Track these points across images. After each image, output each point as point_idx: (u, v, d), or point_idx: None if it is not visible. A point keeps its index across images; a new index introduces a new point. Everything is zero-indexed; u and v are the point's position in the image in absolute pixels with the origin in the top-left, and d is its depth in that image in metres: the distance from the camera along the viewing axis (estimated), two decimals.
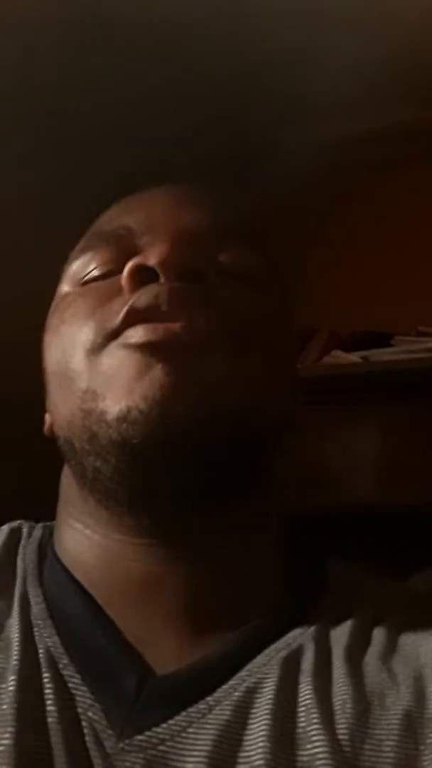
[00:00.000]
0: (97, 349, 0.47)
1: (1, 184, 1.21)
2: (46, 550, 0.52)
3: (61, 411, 0.49)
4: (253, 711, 0.41)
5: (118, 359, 0.46)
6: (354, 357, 1.44)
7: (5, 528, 0.55)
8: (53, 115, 1.19)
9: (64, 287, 0.53)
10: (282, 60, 1.22)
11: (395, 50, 1.24)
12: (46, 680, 0.42)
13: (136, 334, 0.45)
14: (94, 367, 0.47)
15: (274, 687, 0.43)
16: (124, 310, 0.46)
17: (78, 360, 0.48)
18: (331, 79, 1.29)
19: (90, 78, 1.17)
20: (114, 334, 0.46)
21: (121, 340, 0.46)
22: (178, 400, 0.43)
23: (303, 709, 0.41)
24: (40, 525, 0.56)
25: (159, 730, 0.41)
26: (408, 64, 1.28)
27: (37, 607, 0.47)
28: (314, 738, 0.40)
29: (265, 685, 0.43)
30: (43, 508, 0.57)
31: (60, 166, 1.24)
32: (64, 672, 0.43)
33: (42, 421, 0.55)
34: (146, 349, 0.45)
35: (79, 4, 1.06)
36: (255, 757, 0.39)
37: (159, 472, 0.45)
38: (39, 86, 1.16)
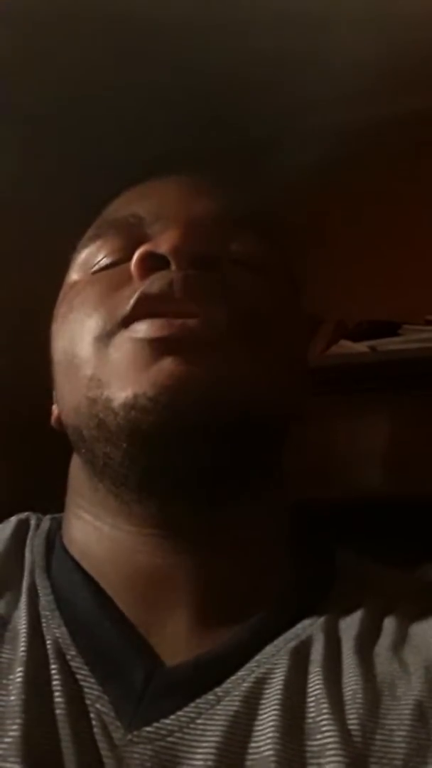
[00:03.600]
0: (105, 336, 0.46)
1: (1, 183, 1.20)
2: (54, 541, 0.52)
3: (67, 400, 0.49)
4: (263, 702, 0.41)
5: (125, 352, 0.45)
6: (361, 347, 1.43)
7: (13, 519, 0.55)
8: (57, 107, 1.19)
9: (73, 275, 0.53)
10: (285, 51, 1.21)
11: (400, 39, 1.23)
12: (53, 672, 0.42)
13: (147, 328, 0.45)
14: (101, 355, 0.46)
15: (283, 678, 0.42)
16: (135, 296, 0.46)
17: (85, 347, 0.47)
18: (336, 70, 1.28)
19: (95, 70, 1.17)
20: (124, 323, 0.46)
21: (130, 332, 0.45)
22: (189, 388, 0.43)
23: (313, 699, 0.41)
24: (48, 517, 0.56)
25: (167, 721, 0.40)
26: (414, 53, 1.27)
27: (45, 599, 0.47)
28: (324, 728, 0.39)
29: (274, 675, 0.43)
30: (51, 499, 0.57)
31: (63, 159, 1.24)
32: (72, 664, 0.43)
33: (49, 413, 0.55)
34: (156, 344, 0.44)
35: (83, 1, 1.05)
36: (264, 748, 0.39)
37: (169, 456, 0.44)
38: (43, 80, 1.16)
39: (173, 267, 0.46)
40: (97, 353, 0.46)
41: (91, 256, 0.52)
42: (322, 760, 0.38)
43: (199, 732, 0.40)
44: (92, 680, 0.42)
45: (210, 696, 0.42)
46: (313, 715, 0.40)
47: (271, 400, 0.47)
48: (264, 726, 0.40)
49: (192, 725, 0.40)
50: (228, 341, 0.45)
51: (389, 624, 0.47)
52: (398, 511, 1.24)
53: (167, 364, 0.44)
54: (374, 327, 1.48)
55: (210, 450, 0.45)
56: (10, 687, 0.41)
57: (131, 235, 0.50)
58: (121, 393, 0.44)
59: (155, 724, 0.40)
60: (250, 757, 0.39)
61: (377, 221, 1.64)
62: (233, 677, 0.43)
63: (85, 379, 0.46)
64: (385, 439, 1.37)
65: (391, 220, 1.64)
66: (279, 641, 0.45)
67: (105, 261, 0.51)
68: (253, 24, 1.12)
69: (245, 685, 0.42)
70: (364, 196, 1.62)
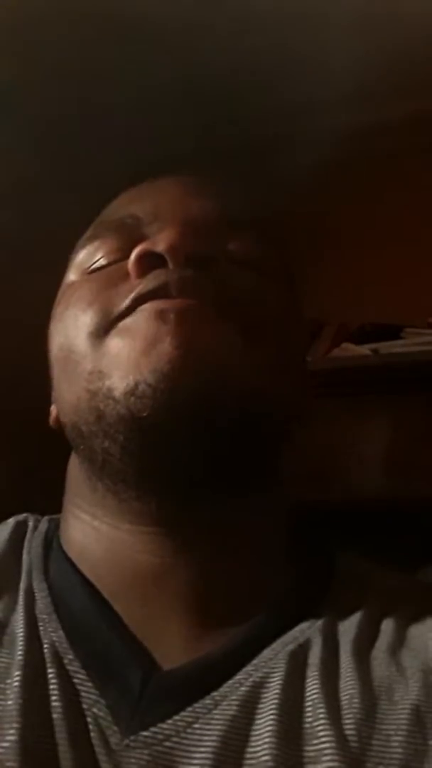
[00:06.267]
0: (101, 332, 0.47)
1: (2, 183, 1.21)
2: (52, 543, 0.52)
3: (66, 396, 0.49)
4: (260, 706, 0.41)
5: (125, 337, 0.45)
6: (363, 349, 1.43)
7: (11, 521, 0.55)
8: (60, 104, 1.19)
9: (71, 276, 0.53)
10: (287, 53, 1.21)
11: (401, 42, 1.23)
12: (51, 676, 0.42)
13: (147, 307, 0.45)
14: (99, 349, 0.46)
15: (280, 682, 0.42)
16: (131, 296, 0.46)
17: (82, 343, 0.47)
18: (337, 72, 1.28)
19: (99, 71, 1.17)
20: (120, 318, 0.46)
21: (128, 318, 0.46)
22: (188, 374, 0.43)
23: (310, 704, 0.41)
24: (46, 518, 0.55)
25: (164, 725, 0.40)
26: (415, 55, 1.27)
27: (42, 602, 0.47)
28: (321, 733, 0.39)
29: (271, 679, 0.42)
30: (50, 500, 0.57)
31: (65, 159, 1.24)
32: (70, 667, 0.43)
33: (47, 413, 0.55)
34: (156, 317, 0.44)
35: (87, 1, 1.06)
36: (261, 753, 0.39)
37: (167, 447, 0.44)
38: (49, 80, 1.16)
39: (170, 266, 0.46)
40: (94, 348, 0.46)
41: (89, 256, 0.52)
42: (318, 765, 0.38)
43: (196, 736, 0.40)
44: (89, 684, 0.42)
45: (207, 700, 0.41)
46: (310, 719, 0.40)
47: (270, 394, 0.47)
48: (261, 730, 0.40)
49: (189, 729, 0.40)
50: (225, 323, 0.45)
51: (387, 626, 0.47)
52: (398, 513, 1.24)
53: (167, 346, 0.43)
54: (377, 330, 1.49)
55: (208, 440, 0.44)
56: (8, 691, 0.41)
57: (128, 235, 0.50)
58: (122, 382, 0.44)
59: (152, 729, 0.40)
60: (247, 761, 0.39)
61: (380, 224, 1.64)
62: (231, 681, 0.42)
63: (85, 373, 0.46)
64: (387, 442, 1.37)
65: (395, 223, 1.64)
66: (277, 645, 0.45)
67: (102, 261, 0.51)
68: (254, 27, 1.13)
69: (243, 689, 0.42)
70: (366, 198, 1.62)
